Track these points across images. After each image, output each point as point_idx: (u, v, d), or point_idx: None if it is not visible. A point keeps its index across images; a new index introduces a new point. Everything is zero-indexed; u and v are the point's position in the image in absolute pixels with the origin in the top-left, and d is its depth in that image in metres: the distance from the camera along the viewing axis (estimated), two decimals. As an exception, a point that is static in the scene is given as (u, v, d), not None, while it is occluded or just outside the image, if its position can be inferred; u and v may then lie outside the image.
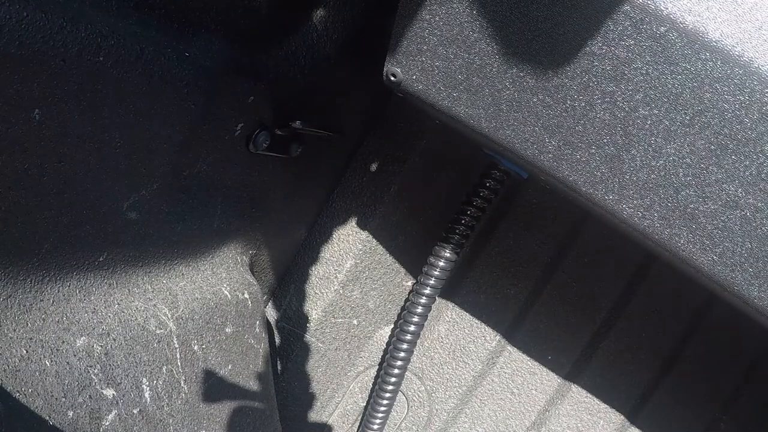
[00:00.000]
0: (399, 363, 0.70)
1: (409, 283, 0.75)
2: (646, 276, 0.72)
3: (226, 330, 0.56)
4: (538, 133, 0.42)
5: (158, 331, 0.48)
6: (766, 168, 0.35)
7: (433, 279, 0.66)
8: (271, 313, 0.72)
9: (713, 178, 0.36)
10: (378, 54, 0.48)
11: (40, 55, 0.32)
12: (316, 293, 0.70)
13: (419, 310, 0.68)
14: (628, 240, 0.43)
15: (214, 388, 0.54)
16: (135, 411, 0.45)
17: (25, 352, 0.38)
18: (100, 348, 0.43)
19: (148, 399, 0.46)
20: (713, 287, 0.40)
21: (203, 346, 0.53)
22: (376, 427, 0.71)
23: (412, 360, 0.73)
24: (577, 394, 0.76)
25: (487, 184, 0.63)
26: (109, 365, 0.44)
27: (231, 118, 0.49)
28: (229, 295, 0.57)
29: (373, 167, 0.68)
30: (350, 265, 0.69)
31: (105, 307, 0.45)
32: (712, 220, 0.37)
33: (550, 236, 0.73)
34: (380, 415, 0.71)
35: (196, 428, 0.51)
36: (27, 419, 0.38)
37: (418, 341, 0.73)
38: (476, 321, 0.77)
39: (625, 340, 0.73)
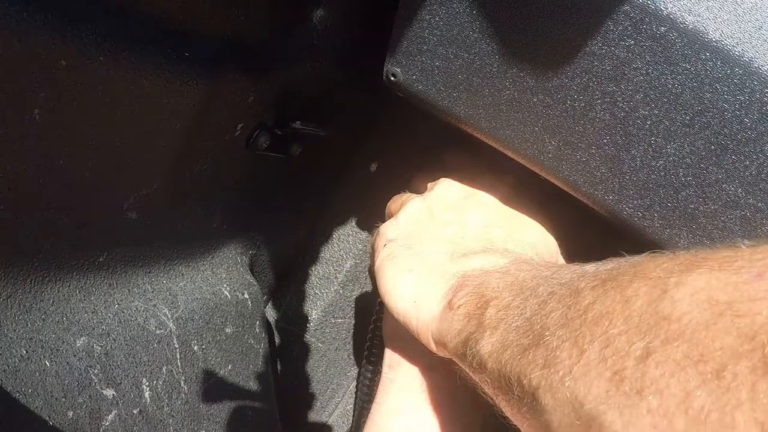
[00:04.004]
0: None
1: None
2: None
3: (226, 330, 0.56)
4: (538, 133, 0.42)
5: (158, 332, 0.48)
6: (766, 168, 0.35)
7: None
8: (271, 313, 0.72)
9: (713, 178, 0.36)
10: (378, 54, 0.48)
11: (40, 55, 0.32)
12: (316, 293, 0.70)
13: None
14: (627, 240, 0.43)
15: (214, 388, 0.54)
16: (135, 411, 0.45)
17: (25, 352, 0.38)
18: (100, 348, 0.43)
19: (148, 399, 0.46)
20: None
21: (203, 347, 0.53)
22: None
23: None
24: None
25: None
26: (109, 365, 0.44)
27: (231, 118, 0.49)
28: (229, 295, 0.57)
29: (373, 167, 0.68)
30: (350, 265, 0.69)
31: (105, 307, 0.45)
32: (712, 220, 0.37)
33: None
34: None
35: (196, 428, 0.51)
36: (27, 419, 0.38)
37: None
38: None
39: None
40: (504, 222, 0.46)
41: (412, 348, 0.46)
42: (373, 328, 0.60)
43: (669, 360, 0.20)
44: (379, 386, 0.47)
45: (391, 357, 0.48)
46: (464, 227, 0.45)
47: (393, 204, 0.54)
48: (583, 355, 0.23)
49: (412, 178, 0.57)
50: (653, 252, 0.27)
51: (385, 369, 0.48)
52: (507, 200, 0.48)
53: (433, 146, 0.60)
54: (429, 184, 0.52)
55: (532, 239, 0.45)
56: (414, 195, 0.52)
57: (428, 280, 0.40)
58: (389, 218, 0.54)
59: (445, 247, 0.43)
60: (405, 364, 0.46)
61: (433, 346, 0.38)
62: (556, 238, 0.48)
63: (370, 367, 0.62)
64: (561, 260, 0.47)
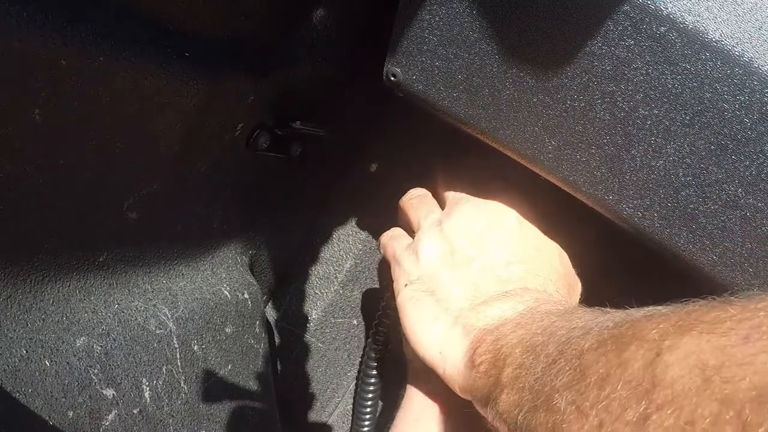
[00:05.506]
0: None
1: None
2: (646, 276, 0.71)
3: (226, 330, 0.56)
4: (538, 133, 0.42)
5: (158, 331, 0.48)
6: (766, 168, 0.35)
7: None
8: (271, 313, 0.72)
9: (713, 178, 0.36)
10: (378, 54, 0.48)
11: (40, 55, 0.32)
12: (316, 293, 0.70)
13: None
14: (627, 240, 0.43)
15: (214, 388, 0.54)
16: (135, 411, 0.45)
17: (25, 352, 0.38)
18: (100, 348, 0.43)
19: (148, 399, 0.46)
20: (714, 288, 0.40)
21: (203, 346, 0.53)
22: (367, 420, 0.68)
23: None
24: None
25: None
26: (109, 365, 0.44)
27: (231, 118, 0.49)
28: (229, 295, 0.57)
29: (373, 167, 0.68)
30: (350, 265, 0.69)
31: (105, 307, 0.45)
32: (712, 220, 0.37)
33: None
34: (368, 408, 0.68)
35: (196, 428, 0.51)
36: (27, 419, 0.38)
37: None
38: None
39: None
40: (525, 256, 0.47)
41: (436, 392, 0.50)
42: (377, 323, 0.60)
43: (660, 427, 0.22)
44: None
45: (414, 400, 0.52)
46: (485, 266, 0.47)
47: (410, 210, 0.54)
48: (587, 420, 0.25)
49: (416, 177, 0.57)
50: (652, 308, 0.29)
51: (407, 413, 0.52)
52: (524, 217, 0.49)
53: (433, 146, 0.60)
54: (448, 200, 0.52)
55: (551, 270, 0.47)
56: (431, 209, 0.53)
57: (452, 332, 0.43)
58: (402, 215, 0.55)
59: (466, 292, 0.45)
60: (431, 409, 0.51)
61: (460, 394, 0.42)
62: (572, 251, 0.49)
63: (373, 364, 0.62)
64: (578, 292, 0.50)
